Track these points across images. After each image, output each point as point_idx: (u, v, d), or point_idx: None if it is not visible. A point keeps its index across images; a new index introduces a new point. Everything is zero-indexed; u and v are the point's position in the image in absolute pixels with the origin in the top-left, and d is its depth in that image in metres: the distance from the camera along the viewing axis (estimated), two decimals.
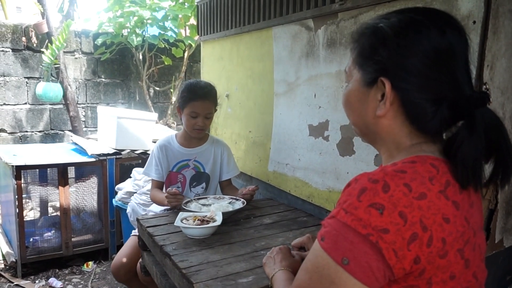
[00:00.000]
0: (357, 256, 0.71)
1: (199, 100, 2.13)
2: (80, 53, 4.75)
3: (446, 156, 0.81)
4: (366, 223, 0.71)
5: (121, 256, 2.24)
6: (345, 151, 1.89)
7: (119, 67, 5.01)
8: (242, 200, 2.06)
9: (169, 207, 2.25)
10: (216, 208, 1.96)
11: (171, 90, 5.17)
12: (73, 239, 3.15)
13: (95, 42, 4.62)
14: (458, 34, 0.82)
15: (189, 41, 4.99)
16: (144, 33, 4.68)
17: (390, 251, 0.70)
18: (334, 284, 0.73)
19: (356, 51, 0.89)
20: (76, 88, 4.75)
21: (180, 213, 1.81)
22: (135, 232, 2.35)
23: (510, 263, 1.67)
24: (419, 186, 0.73)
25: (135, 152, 3.34)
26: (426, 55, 0.79)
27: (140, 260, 2.02)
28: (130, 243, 2.30)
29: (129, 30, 4.63)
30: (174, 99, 5.13)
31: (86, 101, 4.85)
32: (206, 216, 1.79)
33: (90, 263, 3.20)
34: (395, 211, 0.70)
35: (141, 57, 4.85)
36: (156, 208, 2.36)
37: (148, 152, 3.37)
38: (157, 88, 5.19)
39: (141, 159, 3.43)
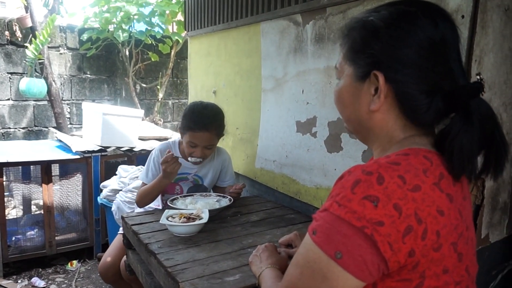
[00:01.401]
0: (351, 250, 0.69)
1: (199, 131, 1.97)
2: (65, 48, 4.67)
3: (439, 149, 0.81)
4: (361, 215, 0.69)
5: (108, 256, 2.20)
6: (332, 147, 1.88)
7: (105, 63, 4.93)
8: (229, 197, 2.03)
9: (157, 206, 2.21)
10: (203, 205, 1.93)
11: (158, 86, 5.12)
12: (56, 238, 3.09)
13: (81, 38, 4.55)
14: (450, 26, 0.82)
15: (176, 37, 4.94)
16: (130, 29, 4.62)
17: (385, 244, 0.69)
18: (327, 278, 0.72)
19: (347, 45, 0.88)
20: (61, 84, 4.67)
21: (166, 210, 1.78)
22: (121, 230, 2.30)
23: (495, 258, 1.68)
24: (413, 178, 0.72)
25: (121, 149, 3.29)
26: (420, 45, 0.79)
27: (125, 258, 1.98)
28: (116, 242, 2.25)
29: (115, 25, 4.56)
30: (161, 96, 5.08)
31: (71, 97, 4.77)
32: (192, 213, 1.76)
33: (74, 262, 3.14)
34: (389, 203, 0.69)
35: (127, 53, 4.79)
36: None
37: (134, 149, 3.33)
38: (144, 85, 5.13)
39: (126, 156, 3.39)
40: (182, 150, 2.15)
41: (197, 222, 1.68)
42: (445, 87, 0.79)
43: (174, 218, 1.72)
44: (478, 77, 0.81)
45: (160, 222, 1.68)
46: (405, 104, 0.82)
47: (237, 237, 1.70)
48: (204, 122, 1.97)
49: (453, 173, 0.78)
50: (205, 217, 1.72)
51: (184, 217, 1.71)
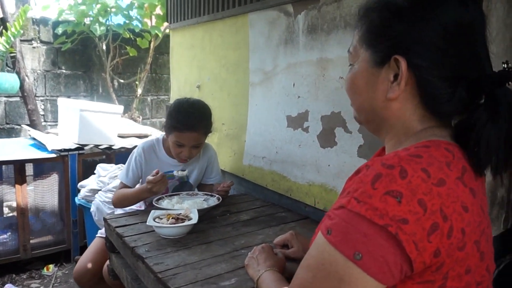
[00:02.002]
0: (372, 250, 0.63)
1: (186, 131, 1.86)
2: (39, 42, 4.46)
3: (459, 141, 0.76)
4: (383, 212, 0.63)
5: (85, 260, 2.07)
6: (326, 142, 1.80)
7: (81, 57, 4.74)
8: (217, 196, 1.94)
9: (138, 208, 2.10)
10: (190, 205, 1.83)
11: (137, 82, 4.96)
12: (31, 241, 2.93)
13: (55, 31, 4.35)
14: (478, 8, 0.76)
15: (156, 31, 4.80)
16: (108, 22, 4.45)
17: (411, 243, 0.63)
18: (344, 281, 0.65)
19: (364, 28, 0.81)
20: (34, 79, 4.46)
21: (152, 211, 1.67)
22: (100, 233, 2.18)
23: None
24: (438, 171, 0.66)
25: (99, 147, 3.15)
26: (447, 28, 0.73)
27: (108, 263, 1.86)
28: (94, 245, 2.13)
29: (91, 18, 4.39)
30: (139, 91, 4.93)
31: (45, 93, 4.56)
32: (180, 214, 1.66)
33: (51, 266, 2.98)
34: (414, 198, 0.63)
35: (104, 47, 4.62)
36: None
37: (113, 147, 3.19)
38: (122, 81, 4.96)
39: (105, 154, 3.25)
40: (167, 148, 2.03)
41: (186, 223, 1.58)
42: (471, 75, 0.74)
43: (161, 219, 1.62)
44: (505, 65, 0.75)
45: (147, 223, 1.57)
46: (426, 93, 0.76)
47: (229, 237, 1.61)
48: (191, 122, 1.87)
49: (477, 167, 0.73)
50: (195, 217, 1.62)
51: (172, 218, 1.61)
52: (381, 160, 0.69)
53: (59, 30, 4.28)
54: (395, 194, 0.63)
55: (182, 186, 2.07)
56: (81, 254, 3.02)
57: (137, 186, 2.02)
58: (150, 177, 1.79)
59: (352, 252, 0.64)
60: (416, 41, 0.74)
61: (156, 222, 1.59)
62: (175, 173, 1.94)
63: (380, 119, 0.82)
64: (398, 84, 0.76)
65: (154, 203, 1.82)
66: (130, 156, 2.04)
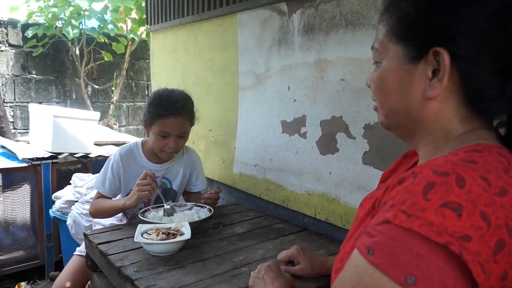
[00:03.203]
0: (428, 273, 0.52)
1: (171, 117, 1.73)
2: (7, 45, 4.21)
3: (507, 145, 0.66)
4: (441, 228, 0.53)
5: (63, 279, 1.89)
6: (326, 149, 1.69)
7: (53, 62, 4.51)
8: (208, 207, 1.79)
9: (119, 222, 1.93)
10: (180, 217, 1.69)
11: (112, 88, 4.76)
12: (1, 257, 2.71)
13: (25, 34, 4.12)
14: None
15: (132, 36, 4.63)
16: (81, 26, 4.25)
17: (477, 264, 0.52)
18: None
19: (393, 19, 0.71)
20: (3, 84, 4.20)
21: (139, 225, 1.52)
22: (79, 251, 1.99)
23: None
24: (497, 179, 0.57)
25: (75, 155, 2.96)
26: (495, 12, 0.63)
27: (89, 283, 1.69)
28: (73, 264, 1.95)
29: (64, 21, 4.18)
30: (115, 98, 4.73)
31: (14, 99, 4.30)
32: (170, 228, 1.52)
33: (23, 284, 2.76)
34: (475, 211, 0.53)
35: (78, 51, 4.42)
36: (103, 219, 2.02)
37: (89, 155, 3.00)
38: (97, 86, 4.75)
39: (81, 163, 3.06)
40: (147, 151, 1.88)
41: (178, 238, 1.44)
42: None
43: (150, 234, 1.47)
44: None
45: (134, 240, 1.41)
46: (471, 89, 0.66)
47: (226, 253, 1.48)
48: (175, 106, 1.74)
49: None
50: (187, 232, 1.48)
51: (162, 233, 1.46)
52: (430, 166, 0.59)
53: (29, 33, 4.05)
54: (453, 206, 0.53)
55: (166, 193, 1.91)
56: (56, 269, 2.82)
57: (118, 197, 1.87)
58: (139, 180, 1.66)
59: (403, 276, 0.53)
60: (459, 29, 0.64)
61: (144, 238, 1.44)
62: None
63: (414, 122, 0.72)
64: (439, 81, 0.66)
65: (139, 216, 1.67)
66: (106, 163, 1.87)
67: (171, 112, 1.72)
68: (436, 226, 0.53)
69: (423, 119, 0.71)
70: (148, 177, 1.67)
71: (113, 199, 1.86)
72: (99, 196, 1.85)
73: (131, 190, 1.74)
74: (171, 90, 1.84)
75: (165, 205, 1.76)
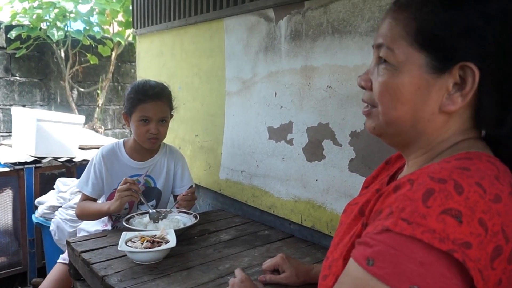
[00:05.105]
0: (431, 282, 0.53)
1: (150, 101, 1.77)
2: None
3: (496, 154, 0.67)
4: (443, 235, 0.53)
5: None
6: (313, 155, 1.69)
7: (37, 64, 4.44)
8: (194, 213, 1.78)
9: (104, 227, 1.91)
10: (166, 224, 1.67)
11: (98, 91, 4.70)
12: None
13: (8, 36, 4.04)
14: None
15: (118, 39, 4.58)
16: (66, 28, 4.19)
17: (477, 272, 0.53)
18: None
19: (416, 24, 0.66)
20: None
21: (123, 233, 1.50)
22: (63, 258, 1.96)
23: None
24: (491, 186, 0.57)
25: (59, 159, 2.92)
26: None
27: None
28: (56, 272, 1.91)
29: (48, 23, 4.12)
30: (101, 102, 4.67)
31: None
32: (155, 235, 1.50)
33: None
34: (474, 218, 0.54)
35: (63, 54, 4.35)
36: (88, 225, 1.99)
37: (74, 159, 2.96)
38: (82, 89, 4.68)
39: (65, 167, 3.01)
40: (129, 149, 1.89)
41: (163, 246, 1.42)
42: None
43: (135, 242, 1.45)
44: None
45: (118, 248, 1.39)
46: (483, 105, 0.66)
47: (211, 261, 1.46)
48: (154, 90, 1.81)
49: None
50: (173, 240, 1.46)
51: (147, 241, 1.44)
52: (427, 173, 0.58)
53: (13, 35, 3.98)
54: (454, 213, 0.54)
55: (150, 193, 1.90)
56: (39, 276, 2.77)
57: (101, 199, 1.88)
58: (120, 186, 1.69)
59: (406, 286, 0.53)
60: (491, 47, 0.62)
61: (129, 246, 1.42)
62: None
63: (417, 133, 0.70)
64: (462, 96, 0.64)
65: (124, 223, 1.65)
66: (89, 163, 1.89)
67: (150, 96, 1.78)
68: (438, 233, 0.53)
69: (427, 131, 0.69)
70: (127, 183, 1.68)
71: (98, 202, 1.87)
72: (84, 197, 1.85)
73: (115, 189, 1.76)
74: (148, 79, 1.90)
75: (150, 210, 1.74)
